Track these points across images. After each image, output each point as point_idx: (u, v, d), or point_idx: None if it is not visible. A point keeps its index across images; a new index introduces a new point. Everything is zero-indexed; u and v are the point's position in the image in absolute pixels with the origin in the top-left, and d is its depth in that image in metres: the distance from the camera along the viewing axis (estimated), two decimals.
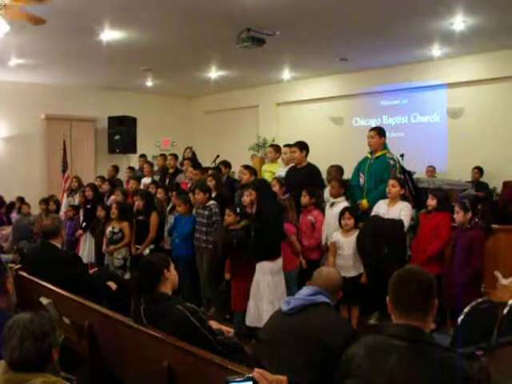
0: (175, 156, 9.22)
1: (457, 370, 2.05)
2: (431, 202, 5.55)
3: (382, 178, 5.96)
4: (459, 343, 3.76)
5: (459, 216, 5.24)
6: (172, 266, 3.30)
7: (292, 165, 6.75)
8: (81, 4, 6.37)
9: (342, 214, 5.65)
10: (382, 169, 6.02)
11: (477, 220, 5.28)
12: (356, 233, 5.62)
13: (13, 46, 8.28)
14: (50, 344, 2.18)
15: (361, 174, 6.24)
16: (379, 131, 6.20)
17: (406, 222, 5.50)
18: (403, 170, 6.30)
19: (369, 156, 6.25)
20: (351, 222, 5.59)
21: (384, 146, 6.19)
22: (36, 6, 5.75)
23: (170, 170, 8.98)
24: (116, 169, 10.35)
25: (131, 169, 10.23)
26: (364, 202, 6.05)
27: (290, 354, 2.68)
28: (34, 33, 7.45)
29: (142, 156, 10.65)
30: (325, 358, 2.62)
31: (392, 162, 6.03)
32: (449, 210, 5.57)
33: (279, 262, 5.44)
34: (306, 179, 6.36)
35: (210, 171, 7.65)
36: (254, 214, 5.61)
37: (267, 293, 5.31)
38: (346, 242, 5.60)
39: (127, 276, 6.68)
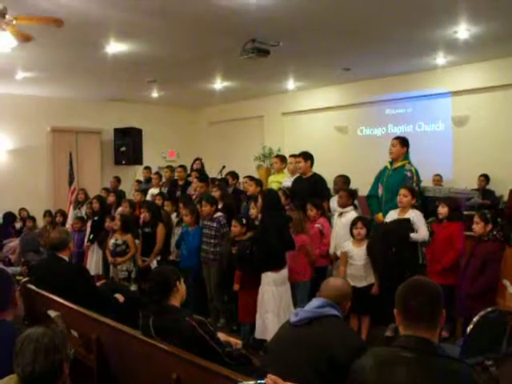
0: (184, 168, 9.16)
1: (465, 381, 2.04)
2: (442, 209, 5.52)
3: (398, 190, 5.75)
4: (468, 353, 3.75)
5: (479, 227, 5.06)
6: (182, 279, 3.33)
7: (298, 175, 6.78)
8: (86, 17, 6.42)
9: (354, 223, 5.55)
10: (398, 181, 5.85)
11: (495, 233, 5.15)
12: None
13: (19, 59, 8.34)
14: (62, 358, 2.18)
15: (380, 185, 6.12)
16: (402, 140, 6.10)
17: (422, 230, 5.36)
18: None
19: (388, 166, 6.12)
20: (363, 231, 5.49)
21: (405, 157, 6.06)
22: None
23: (180, 182, 8.90)
24: (118, 180, 10.38)
25: (139, 182, 10.26)
26: (380, 216, 5.91)
27: (298, 365, 2.66)
28: (39, 46, 7.51)
29: (146, 168, 10.66)
30: (332, 370, 2.61)
31: (409, 174, 5.85)
32: (461, 220, 5.52)
33: (283, 272, 5.41)
34: (310, 189, 6.35)
35: (216, 182, 7.63)
36: (259, 223, 5.62)
37: (272, 304, 5.29)
38: (357, 252, 5.50)
39: (132, 288, 6.67)
